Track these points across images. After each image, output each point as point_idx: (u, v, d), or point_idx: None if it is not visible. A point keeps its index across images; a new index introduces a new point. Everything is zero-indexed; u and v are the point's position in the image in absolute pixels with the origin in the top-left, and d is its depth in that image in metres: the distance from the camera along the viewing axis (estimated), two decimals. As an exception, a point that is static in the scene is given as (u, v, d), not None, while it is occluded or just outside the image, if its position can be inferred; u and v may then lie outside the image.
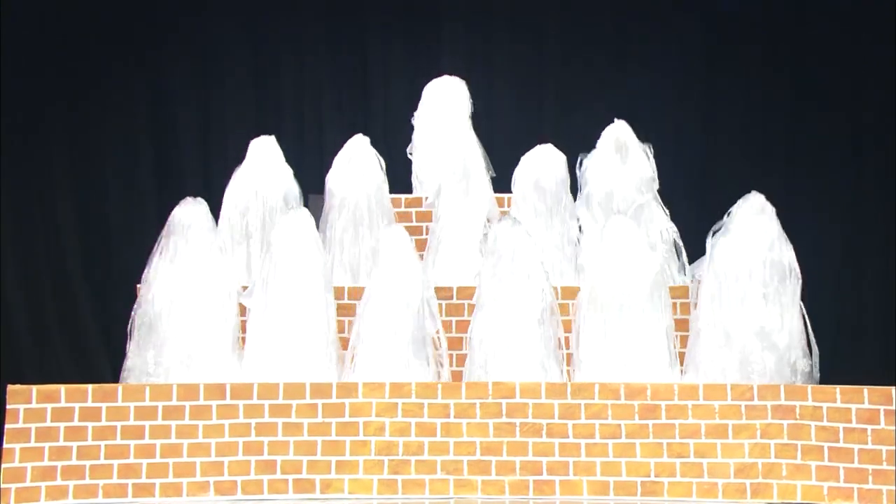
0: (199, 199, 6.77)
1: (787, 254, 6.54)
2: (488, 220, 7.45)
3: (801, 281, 6.56)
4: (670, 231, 7.49)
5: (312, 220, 6.74)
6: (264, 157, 7.71)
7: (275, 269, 6.53)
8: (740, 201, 6.68)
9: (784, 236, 6.58)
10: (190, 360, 6.45)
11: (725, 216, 6.72)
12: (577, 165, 7.75)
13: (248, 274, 7.38)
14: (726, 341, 6.45)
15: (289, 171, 7.75)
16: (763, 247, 6.52)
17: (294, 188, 7.71)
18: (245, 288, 6.73)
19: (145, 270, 6.62)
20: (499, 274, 6.44)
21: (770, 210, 6.62)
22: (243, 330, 6.66)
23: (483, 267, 6.56)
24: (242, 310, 6.70)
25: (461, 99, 8.42)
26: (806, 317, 6.54)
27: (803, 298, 6.58)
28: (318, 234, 6.74)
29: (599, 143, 7.72)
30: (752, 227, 6.55)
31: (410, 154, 8.35)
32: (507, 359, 6.34)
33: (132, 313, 6.62)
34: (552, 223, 7.49)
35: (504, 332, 6.37)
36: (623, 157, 7.60)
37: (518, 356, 6.34)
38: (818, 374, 6.52)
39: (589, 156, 7.72)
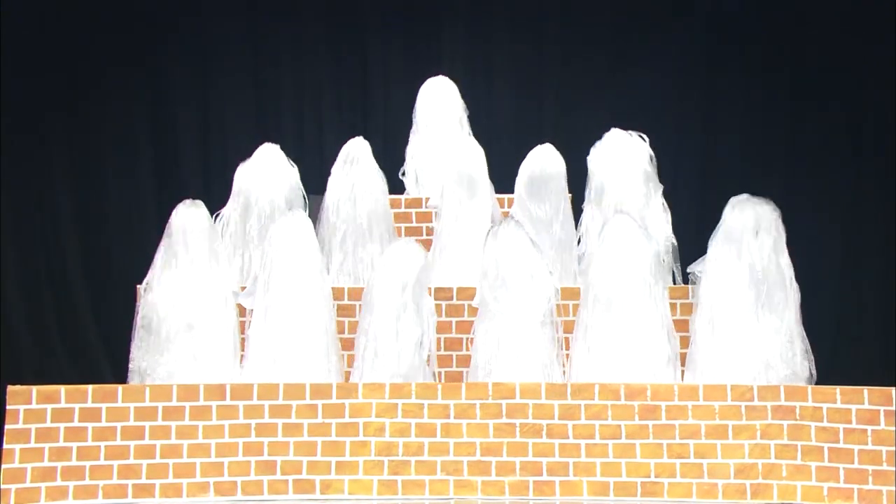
0: (198, 202, 6.75)
1: (782, 257, 6.54)
2: (491, 221, 7.44)
3: (794, 283, 6.55)
4: (670, 240, 7.47)
5: (310, 222, 6.73)
6: (267, 163, 7.68)
7: (272, 270, 6.53)
8: (732, 203, 6.67)
9: (780, 240, 6.57)
10: (193, 361, 6.44)
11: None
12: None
13: (248, 276, 7.38)
14: (722, 345, 6.45)
15: (293, 176, 7.74)
16: (759, 250, 6.52)
17: (296, 193, 7.70)
18: (243, 289, 6.73)
19: (148, 273, 6.62)
20: (502, 275, 6.43)
21: (768, 214, 6.60)
22: (242, 331, 6.66)
23: (485, 268, 6.54)
24: (241, 310, 6.69)
25: (455, 99, 8.41)
26: (798, 320, 6.53)
27: (802, 299, 6.58)
28: (315, 235, 6.72)
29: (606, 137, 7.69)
30: (743, 231, 6.54)
31: (403, 176, 8.32)
32: (511, 361, 6.33)
33: (135, 316, 6.61)
34: (552, 227, 7.49)
35: (507, 335, 6.36)
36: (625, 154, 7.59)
37: (522, 358, 6.33)
38: (815, 376, 6.51)
39: (595, 148, 7.66)
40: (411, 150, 8.39)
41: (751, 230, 6.54)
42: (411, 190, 8.25)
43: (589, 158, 7.68)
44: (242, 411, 6.13)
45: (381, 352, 6.36)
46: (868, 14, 9.79)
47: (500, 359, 6.33)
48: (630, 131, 7.69)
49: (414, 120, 8.44)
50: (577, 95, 10.23)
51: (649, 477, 6.06)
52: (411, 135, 8.42)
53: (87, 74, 9.96)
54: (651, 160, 7.63)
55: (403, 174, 8.32)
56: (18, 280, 9.65)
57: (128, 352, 6.60)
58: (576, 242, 7.59)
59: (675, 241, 7.49)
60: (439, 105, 8.39)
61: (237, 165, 7.78)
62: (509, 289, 6.40)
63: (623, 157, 7.59)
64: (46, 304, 9.74)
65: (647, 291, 6.43)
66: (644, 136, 7.67)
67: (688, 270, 6.92)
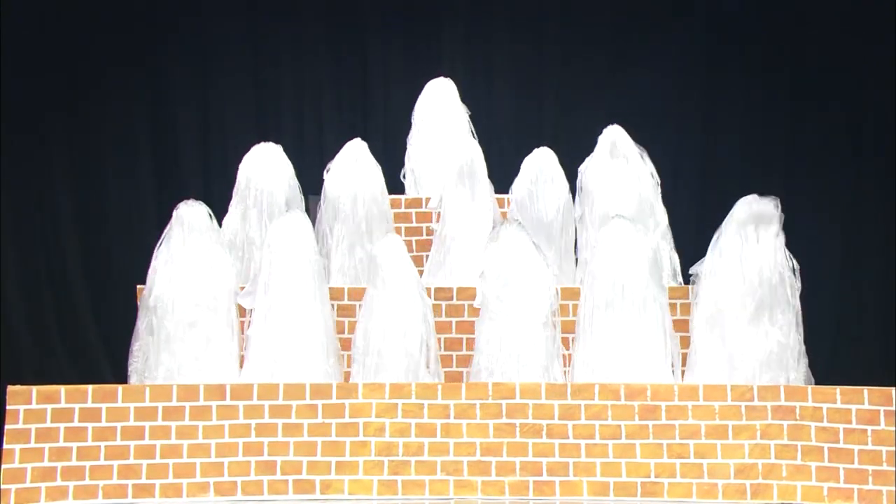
0: (200, 202, 6.75)
1: (783, 258, 6.54)
2: (492, 222, 7.43)
3: (797, 285, 6.55)
4: (673, 261, 7.46)
5: (308, 222, 6.72)
6: (268, 162, 7.67)
7: (271, 270, 6.52)
8: (738, 204, 6.66)
9: (782, 242, 6.57)
10: (194, 362, 6.44)
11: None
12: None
13: (249, 277, 7.37)
14: (720, 345, 6.45)
15: (292, 177, 7.73)
16: (759, 249, 6.52)
17: (297, 194, 7.69)
18: (243, 289, 6.73)
19: (148, 273, 6.61)
20: (504, 276, 6.43)
21: (771, 215, 6.59)
22: (242, 330, 6.66)
23: (487, 269, 6.54)
24: (241, 311, 6.69)
25: (454, 100, 8.40)
26: (800, 323, 6.53)
27: (802, 299, 6.57)
28: (313, 235, 6.72)
29: (597, 148, 7.65)
30: (749, 233, 6.54)
31: (403, 178, 8.31)
32: (513, 361, 6.33)
33: (137, 318, 6.60)
34: (552, 229, 7.48)
35: (510, 335, 6.35)
36: (619, 160, 7.56)
37: (524, 359, 6.33)
38: (813, 377, 6.51)
39: (586, 163, 7.62)
40: (410, 152, 8.39)
41: (751, 231, 6.54)
42: (411, 192, 8.25)
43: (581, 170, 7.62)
44: (242, 411, 6.13)
45: (384, 353, 6.37)
46: (868, 14, 9.80)
47: (502, 359, 6.33)
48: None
49: (413, 121, 8.43)
50: (577, 95, 10.24)
51: (649, 477, 6.06)
52: (410, 136, 8.41)
53: (87, 74, 9.97)
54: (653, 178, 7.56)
55: (404, 176, 8.32)
56: (18, 280, 9.66)
57: (128, 352, 6.61)
58: (574, 244, 7.58)
59: (680, 279, 7.45)
60: (439, 106, 8.38)
61: (238, 165, 7.78)
62: (512, 289, 6.40)
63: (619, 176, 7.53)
64: (46, 304, 9.76)
65: (646, 292, 6.43)
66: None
67: (689, 272, 6.92)
